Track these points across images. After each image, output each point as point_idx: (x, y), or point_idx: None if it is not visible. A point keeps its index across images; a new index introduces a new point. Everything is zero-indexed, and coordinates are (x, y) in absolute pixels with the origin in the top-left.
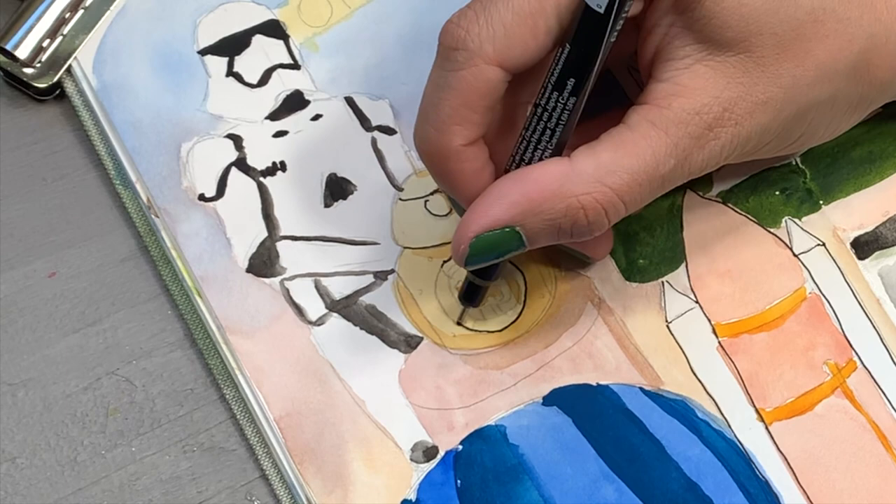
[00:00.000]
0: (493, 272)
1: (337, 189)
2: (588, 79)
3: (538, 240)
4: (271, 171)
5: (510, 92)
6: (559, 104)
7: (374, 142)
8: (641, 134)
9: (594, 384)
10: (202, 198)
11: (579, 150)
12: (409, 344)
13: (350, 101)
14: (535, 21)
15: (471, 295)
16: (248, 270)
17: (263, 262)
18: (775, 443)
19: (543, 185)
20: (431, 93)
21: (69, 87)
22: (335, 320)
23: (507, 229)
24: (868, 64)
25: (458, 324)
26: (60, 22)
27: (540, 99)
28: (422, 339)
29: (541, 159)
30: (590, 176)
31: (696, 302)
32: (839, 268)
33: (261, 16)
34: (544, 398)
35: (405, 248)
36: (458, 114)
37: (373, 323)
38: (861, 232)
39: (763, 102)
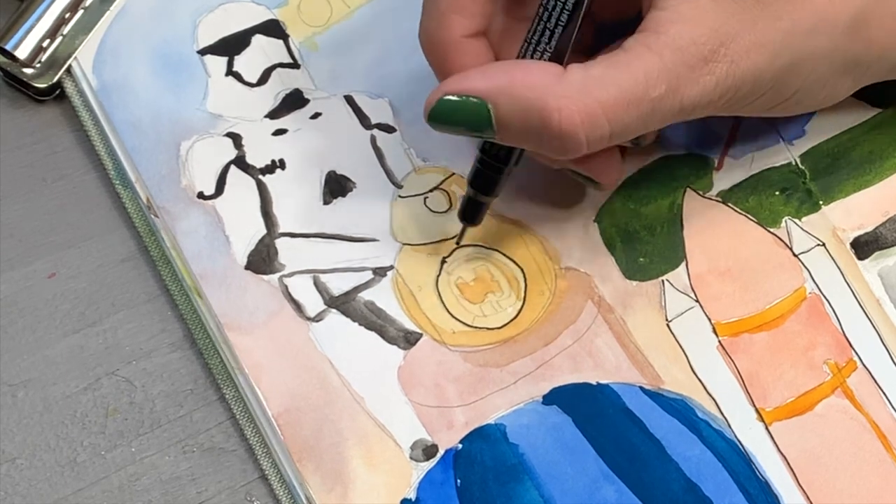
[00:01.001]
0: (491, 187)
1: (336, 187)
2: None
3: (506, 128)
4: (270, 169)
5: (520, 4)
6: (559, 3)
7: (373, 140)
8: (635, 54)
9: (594, 383)
10: (201, 196)
11: (573, 65)
12: (408, 340)
13: (349, 100)
14: None
15: (470, 212)
16: (247, 267)
17: (262, 259)
18: (775, 443)
19: (529, 75)
20: None
21: (69, 87)
22: (334, 316)
23: (479, 101)
24: (867, 23)
25: (457, 245)
26: (60, 22)
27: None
28: (421, 335)
29: (540, 60)
30: (576, 83)
31: (697, 301)
32: (839, 268)
33: (260, 15)
34: (544, 397)
35: (404, 244)
36: (456, 3)
37: (372, 319)
38: (861, 232)
39: (760, 44)
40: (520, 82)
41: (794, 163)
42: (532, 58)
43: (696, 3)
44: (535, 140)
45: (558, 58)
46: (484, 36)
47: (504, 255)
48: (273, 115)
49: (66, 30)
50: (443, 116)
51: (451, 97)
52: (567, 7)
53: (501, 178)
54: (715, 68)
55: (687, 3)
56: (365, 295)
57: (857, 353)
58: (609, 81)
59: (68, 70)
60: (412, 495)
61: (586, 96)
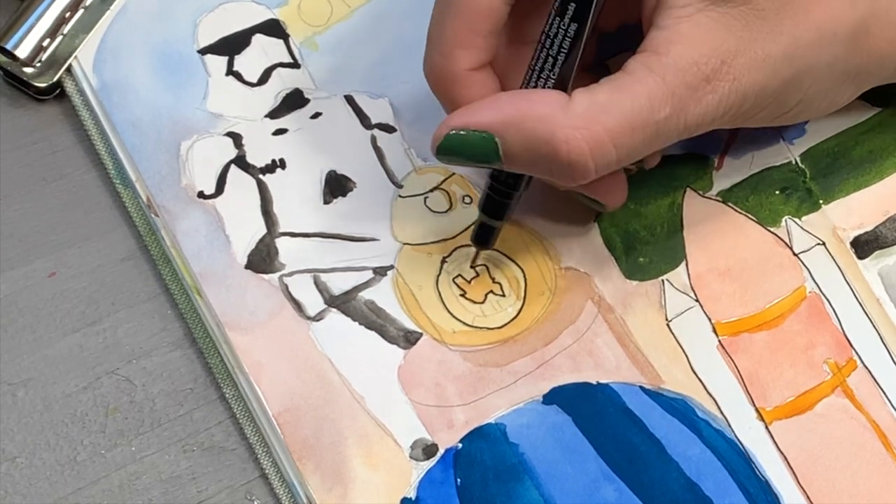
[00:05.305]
0: (503, 212)
1: (336, 186)
2: (590, 3)
3: (514, 159)
4: (271, 168)
5: (523, 28)
6: (561, 30)
7: (373, 140)
8: (638, 78)
9: (594, 383)
10: (201, 195)
11: (577, 91)
12: (408, 340)
13: (350, 100)
14: None
15: (483, 236)
16: (247, 267)
17: (262, 259)
18: (775, 442)
19: (535, 106)
20: (436, 19)
21: (69, 86)
22: (334, 315)
23: (486, 135)
24: (867, 33)
25: (472, 267)
26: (60, 21)
27: (546, 26)
28: (421, 335)
29: (544, 88)
30: (582, 112)
31: (697, 300)
32: (839, 267)
33: (261, 15)
34: (544, 396)
35: (405, 244)
36: (462, 37)
37: (372, 318)
38: (861, 231)
39: (762, 60)
40: (526, 114)
41: (794, 162)
42: (536, 85)
43: (696, 22)
44: (544, 169)
45: (562, 84)
46: (489, 66)
47: (504, 255)
48: (273, 114)
49: (66, 29)
50: (451, 150)
51: (457, 131)
52: (569, 34)
53: (512, 203)
54: (717, 87)
55: (687, 21)
56: (365, 294)
57: (857, 353)
58: (614, 107)
59: (68, 69)
60: (412, 494)
61: (593, 124)
